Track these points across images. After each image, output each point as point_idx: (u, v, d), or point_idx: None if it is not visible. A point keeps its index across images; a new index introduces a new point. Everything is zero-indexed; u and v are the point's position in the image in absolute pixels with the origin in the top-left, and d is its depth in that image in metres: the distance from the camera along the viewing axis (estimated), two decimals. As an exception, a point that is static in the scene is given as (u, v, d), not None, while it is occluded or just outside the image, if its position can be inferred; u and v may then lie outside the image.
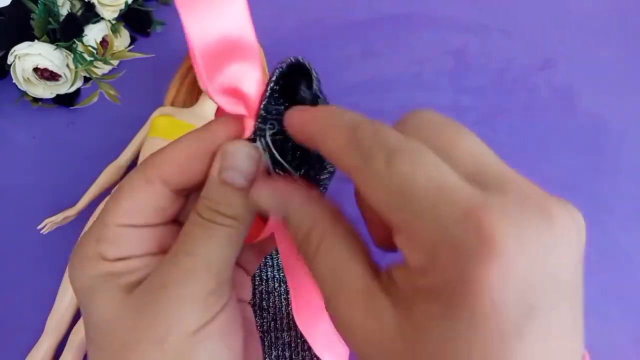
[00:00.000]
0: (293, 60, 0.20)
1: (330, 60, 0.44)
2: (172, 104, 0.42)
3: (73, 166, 0.41)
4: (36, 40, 0.40)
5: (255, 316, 0.35)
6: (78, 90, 0.43)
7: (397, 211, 0.15)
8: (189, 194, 0.22)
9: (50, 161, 0.41)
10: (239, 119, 0.21)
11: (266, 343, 0.34)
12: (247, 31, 0.19)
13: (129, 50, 0.44)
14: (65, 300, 0.35)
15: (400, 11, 0.46)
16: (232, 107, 0.20)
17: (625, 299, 0.36)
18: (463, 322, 0.14)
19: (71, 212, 0.38)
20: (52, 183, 0.40)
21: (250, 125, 0.20)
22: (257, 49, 0.20)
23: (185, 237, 0.20)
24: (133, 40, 0.45)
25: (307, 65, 0.20)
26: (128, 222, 0.21)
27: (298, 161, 0.22)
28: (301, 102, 0.21)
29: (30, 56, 0.39)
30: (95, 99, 0.42)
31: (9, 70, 0.40)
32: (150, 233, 0.21)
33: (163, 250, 0.21)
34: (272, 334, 0.34)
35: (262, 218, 0.23)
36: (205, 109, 0.40)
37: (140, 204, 0.21)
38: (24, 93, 0.41)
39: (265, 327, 0.34)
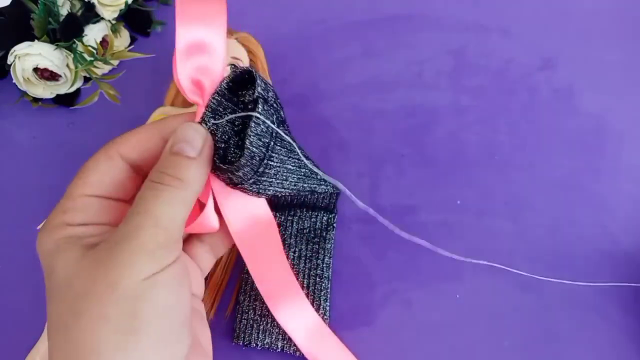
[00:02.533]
0: (244, 69, 0.25)
1: (330, 61, 0.44)
2: (172, 104, 0.42)
3: (73, 166, 0.41)
4: (36, 40, 0.40)
5: (258, 300, 0.35)
6: (78, 90, 0.43)
7: None
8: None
9: (50, 161, 0.41)
10: (192, 116, 0.25)
11: (261, 327, 0.34)
12: (220, 44, 0.25)
13: (129, 50, 0.44)
14: (65, 300, 0.35)
15: (400, 12, 0.46)
16: (192, 95, 0.25)
17: (625, 298, 0.36)
18: None
19: (71, 212, 0.38)
20: (52, 183, 0.40)
21: (201, 113, 0.25)
22: (223, 58, 0.25)
23: (137, 200, 0.22)
24: (133, 40, 0.45)
25: (253, 73, 0.25)
26: (91, 192, 0.23)
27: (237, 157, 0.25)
28: (246, 104, 0.25)
29: (30, 56, 0.39)
30: (95, 99, 0.42)
31: (9, 70, 0.40)
32: (111, 205, 0.24)
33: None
34: (269, 320, 0.34)
35: (200, 205, 0.27)
36: (205, 109, 0.40)
37: (102, 176, 0.24)
38: (24, 93, 0.41)
39: (264, 311, 0.34)
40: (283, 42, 0.45)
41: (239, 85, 0.26)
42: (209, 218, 0.26)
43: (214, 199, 0.26)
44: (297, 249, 0.36)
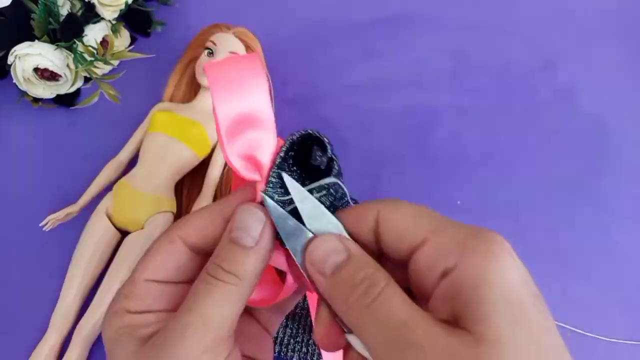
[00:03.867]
0: (303, 132, 0.22)
1: (331, 61, 0.44)
2: (171, 100, 0.42)
3: (73, 166, 0.41)
4: (36, 40, 0.40)
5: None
6: (78, 90, 0.43)
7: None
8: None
9: (50, 161, 0.41)
10: (253, 189, 0.23)
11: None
12: (266, 109, 0.23)
13: (129, 50, 0.44)
14: (69, 295, 0.35)
15: (400, 12, 0.46)
16: (247, 172, 0.23)
17: (625, 299, 0.36)
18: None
19: (73, 209, 0.38)
20: (52, 183, 0.40)
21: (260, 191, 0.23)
22: (273, 123, 0.23)
23: (189, 294, 0.21)
24: (133, 40, 0.45)
25: (316, 134, 0.22)
26: (152, 277, 0.23)
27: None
28: (315, 167, 0.23)
29: (31, 56, 0.39)
30: (95, 99, 0.42)
31: (9, 70, 0.40)
32: (172, 290, 0.23)
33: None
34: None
35: (280, 279, 0.24)
36: (204, 104, 0.40)
37: (164, 262, 0.23)
38: (24, 93, 0.41)
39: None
40: (283, 42, 0.45)
41: (300, 149, 0.23)
42: (291, 289, 0.24)
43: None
44: None
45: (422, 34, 0.45)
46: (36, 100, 0.42)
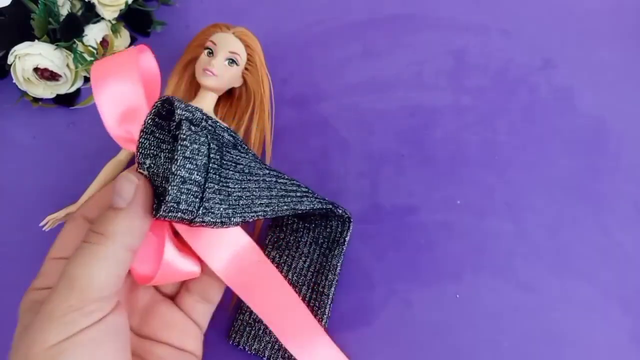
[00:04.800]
0: (164, 99, 0.24)
1: (330, 61, 0.44)
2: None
3: (73, 166, 0.41)
4: (36, 40, 0.40)
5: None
6: (78, 90, 0.43)
7: None
8: None
9: (50, 161, 0.41)
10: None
11: (252, 332, 0.34)
12: (138, 91, 0.26)
13: (129, 50, 0.44)
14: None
15: (400, 11, 0.46)
16: (127, 144, 0.26)
17: (625, 299, 0.36)
18: None
19: (73, 209, 0.38)
20: (52, 183, 0.40)
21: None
22: (144, 102, 0.26)
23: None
24: (133, 40, 0.45)
25: (172, 99, 0.24)
26: (57, 255, 0.24)
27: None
28: (173, 133, 0.24)
29: (31, 56, 0.39)
30: (96, 99, 0.42)
31: (9, 70, 0.40)
32: None
33: None
34: (262, 327, 0.34)
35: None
36: (205, 104, 0.40)
37: (67, 239, 0.24)
38: (24, 93, 0.41)
39: (259, 317, 0.34)
40: (283, 42, 0.45)
41: (168, 117, 0.25)
42: (174, 265, 0.25)
43: (175, 241, 0.26)
44: (308, 259, 0.36)
45: (422, 34, 0.45)
46: (36, 100, 0.42)
